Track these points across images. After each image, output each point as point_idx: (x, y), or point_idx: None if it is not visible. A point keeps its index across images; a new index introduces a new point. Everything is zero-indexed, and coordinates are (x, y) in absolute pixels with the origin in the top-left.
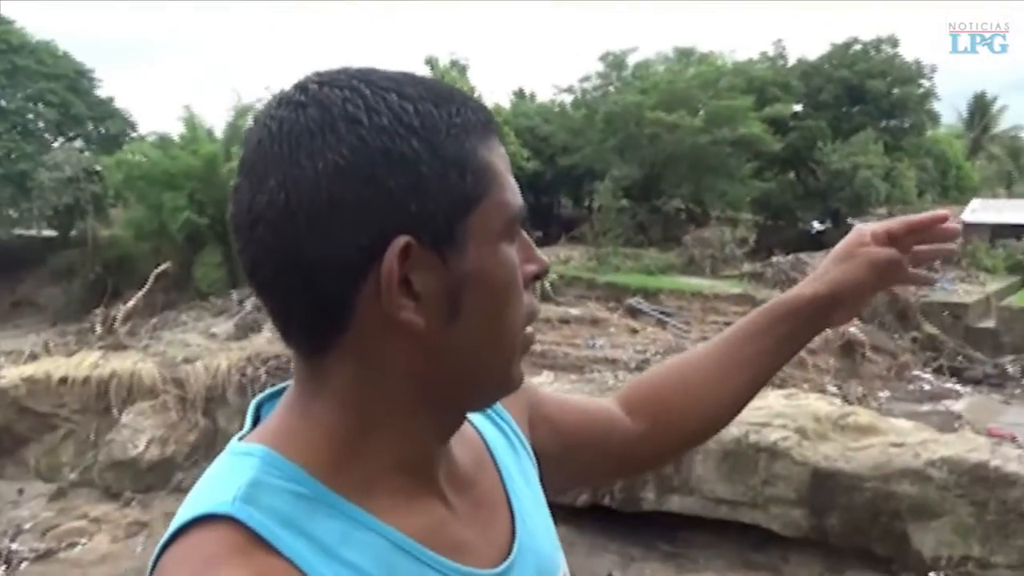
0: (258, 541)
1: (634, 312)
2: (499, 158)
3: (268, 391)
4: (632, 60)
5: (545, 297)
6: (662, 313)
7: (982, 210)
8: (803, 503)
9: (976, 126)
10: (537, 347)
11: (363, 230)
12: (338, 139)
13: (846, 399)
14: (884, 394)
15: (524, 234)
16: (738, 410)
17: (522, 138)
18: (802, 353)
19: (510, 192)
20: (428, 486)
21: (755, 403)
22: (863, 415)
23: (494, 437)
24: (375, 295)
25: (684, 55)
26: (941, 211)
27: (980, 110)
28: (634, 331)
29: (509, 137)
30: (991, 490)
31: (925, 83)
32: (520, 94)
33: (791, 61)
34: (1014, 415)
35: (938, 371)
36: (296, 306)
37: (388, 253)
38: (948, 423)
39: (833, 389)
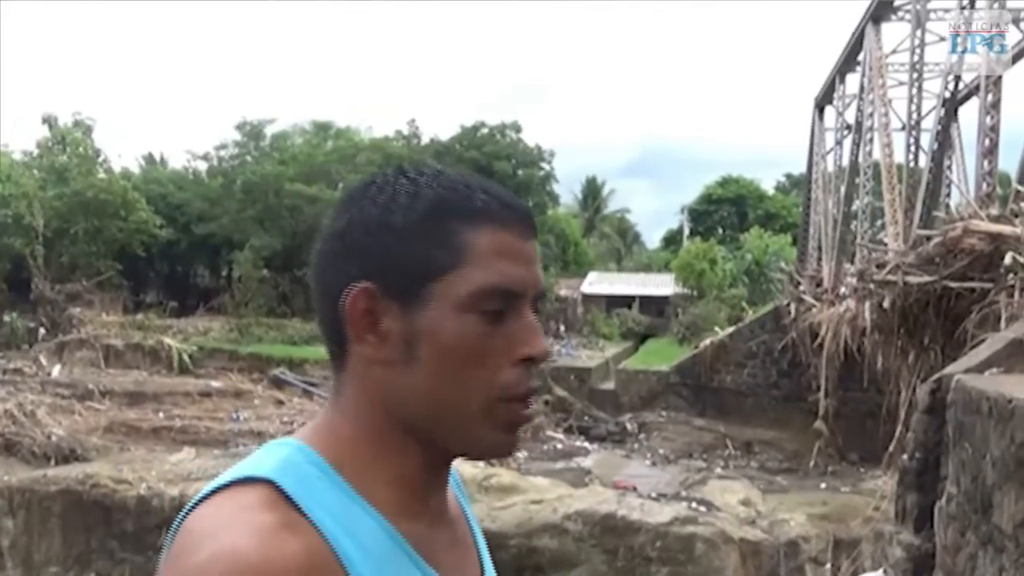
0: (289, 501)
1: (279, 383)
2: (496, 244)
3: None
4: (270, 131)
5: (184, 370)
6: (307, 383)
7: (598, 283)
8: None
9: (590, 207)
10: (176, 422)
11: (351, 272)
12: (353, 208)
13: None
14: (523, 454)
15: (531, 317)
16: None
17: (154, 205)
18: None
19: (489, 273)
20: (419, 506)
21: None
22: (505, 475)
23: (471, 515)
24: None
25: (322, 129)
26: None
27: (592, 193)
28: (279, 402)
29: (140, 204)
30: (620, 537)
31: (545, 166)
32: (151, 159)
33: (424, 140)
34: (634, 467)
35: (568, 431)
36: (323, 323)
37: (352, 292)
38: (580, 478)
39: None
